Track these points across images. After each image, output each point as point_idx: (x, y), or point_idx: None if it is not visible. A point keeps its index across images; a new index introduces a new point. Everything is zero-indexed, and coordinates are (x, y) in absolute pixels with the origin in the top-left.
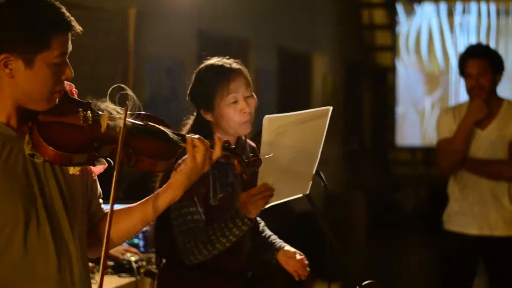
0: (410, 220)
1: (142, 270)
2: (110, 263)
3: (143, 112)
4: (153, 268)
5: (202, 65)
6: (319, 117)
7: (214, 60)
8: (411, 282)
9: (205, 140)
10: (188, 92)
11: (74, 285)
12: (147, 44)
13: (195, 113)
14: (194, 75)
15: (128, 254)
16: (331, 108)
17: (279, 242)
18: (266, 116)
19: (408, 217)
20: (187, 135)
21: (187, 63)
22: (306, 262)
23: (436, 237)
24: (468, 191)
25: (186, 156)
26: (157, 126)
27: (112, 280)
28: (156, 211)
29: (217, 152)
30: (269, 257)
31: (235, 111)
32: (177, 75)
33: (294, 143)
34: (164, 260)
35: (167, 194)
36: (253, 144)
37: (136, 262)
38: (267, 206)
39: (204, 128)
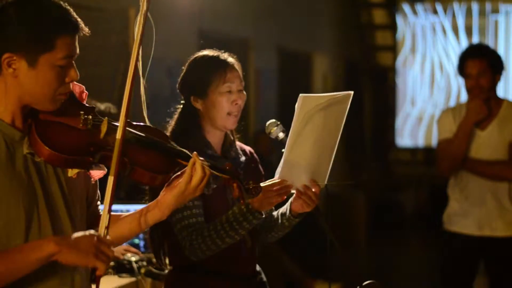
0: (410, 220)
1: (142, 270)
2: (111, 263)
3: (146, 124)
4: (153, 268)
5: (197, 55)
6: (342, 102)
7: (208, 51)
8: (411, 282)
9: (207, 168)
10: (179, 79)
11: (74, 286)
12: (147, 44)
13: (182, 104)
14: (187, 64)
15: (129, 254)
16: (352, 92)
17: (286, 205)
18: (301, 95)
19: (408, 217)
20: (192, 155)
21: None
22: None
23: (436, 237)
24: (468, 191)
25: (179, 173)
26: (158, 139)
27: (113, 280)
28: (142, 226)
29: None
30: (289, 218)
31: (227, 101)
32: (178, 75)
33: (318, 128)
34: (169, 266)
35: (154, 212)
36: (247, 147)
37: (136, 262)
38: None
39: (191, 117)
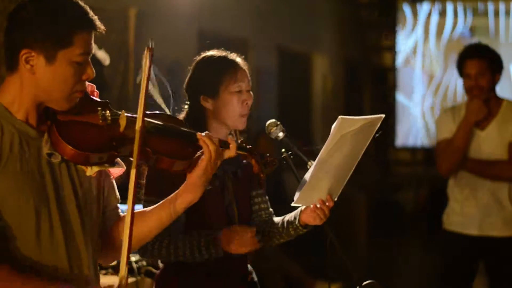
0: (410, 220)
1: (142, 270)
2: (112, 263)
3: (161, 112)
4: (153, 268)
5: (205, 55)
6: (373, 124)
7: (216, 52)
8: (411, 282)
9: (214, 138)
10: (187, 80)
11: (85, 286)
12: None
13: (186, 105)
14: (195, 64)
15: None
16: (383, 116)
17: (293, 213)
18: (340, 117)
19: (408, 217)
20: (198, 133)
21: (187, 63)
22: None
23: (436, 237)
24: (468, 191)
25: (199, 154)
26: (175, 125)
27: (113, 280)
28: (173, 214)
29: (231, 152)
30: (296, 227)
31: (238, 101)
32: (177, 75)
33: (348, 148)
34: (160, 264)
35: (185, 195)
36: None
37: (136, 262)
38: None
39: (199, 117)
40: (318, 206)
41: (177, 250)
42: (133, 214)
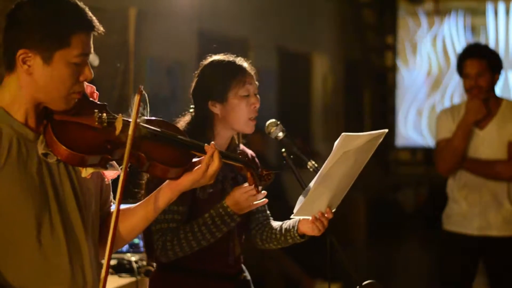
0: (410, 220)
1: (142, 270)
2: (112, 262)
3: (159, 118)
4: (152, 268)
5: (212, 60)
6: (377, 138)
7: (223, 56)
8: (411, 282)
9: (221, 157)
10: (194, 85)
11: (87, 286)
12: (147, 44)
13: (192, 108)
14: (202, 68)
15: (128, 254)
16: (386, 130)
17: (291, 221)
18: (343, 134)
19: (408, 217)
20: (206, 145)
21: (187, 63)
22: (323, 216)
23: (436, 237)
24: (467, 191)
25: (196, 160)
26: (172, 132)
27: (113, 280)
28: (156, 209)
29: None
30: (294, 236)
31: (246, 105)
32: (177, 75)
33: (350, 163)
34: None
35: (165, 193)
36: (249, 151)
37: (136, 262)
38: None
39: (207, 121)
40: (317, 218)
41: (196, 234)
42: (117, 220)
